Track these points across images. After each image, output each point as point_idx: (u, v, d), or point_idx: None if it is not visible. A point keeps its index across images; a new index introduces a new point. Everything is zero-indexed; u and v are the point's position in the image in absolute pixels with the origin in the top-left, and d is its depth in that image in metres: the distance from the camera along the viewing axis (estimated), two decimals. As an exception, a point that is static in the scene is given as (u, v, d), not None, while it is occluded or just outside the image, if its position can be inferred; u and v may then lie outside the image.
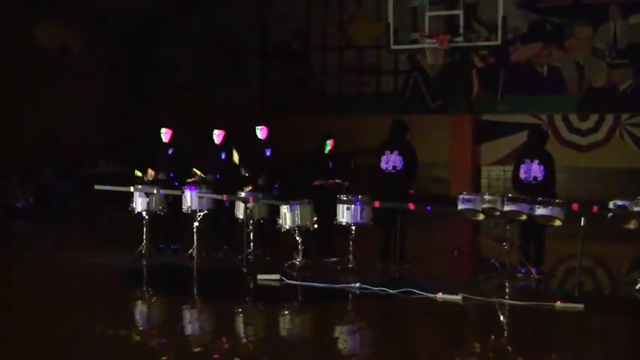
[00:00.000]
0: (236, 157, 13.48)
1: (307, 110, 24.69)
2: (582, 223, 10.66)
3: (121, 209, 13.95)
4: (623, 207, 10.97)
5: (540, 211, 11.04)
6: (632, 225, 11.17)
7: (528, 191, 11.59)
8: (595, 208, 10.93)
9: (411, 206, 11.65)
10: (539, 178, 11.86)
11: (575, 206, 10.91)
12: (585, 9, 22.21)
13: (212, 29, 25.64)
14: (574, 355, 8.73)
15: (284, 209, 12.54)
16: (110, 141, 23.65)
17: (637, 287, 11.09)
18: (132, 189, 13.51)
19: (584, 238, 10.72)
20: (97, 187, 13.85)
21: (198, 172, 13.47)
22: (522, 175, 11.96)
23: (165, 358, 8.34)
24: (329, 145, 13.52)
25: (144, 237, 13.40)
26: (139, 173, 13.78)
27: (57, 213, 19.84)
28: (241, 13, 25.58)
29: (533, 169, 11.90)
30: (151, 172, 13.73)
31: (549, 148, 12.60)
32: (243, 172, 13.48)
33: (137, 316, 10.44)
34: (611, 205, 11.08)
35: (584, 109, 22.30)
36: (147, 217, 13.45)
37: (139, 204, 13.56)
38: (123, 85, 25.04)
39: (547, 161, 11.96)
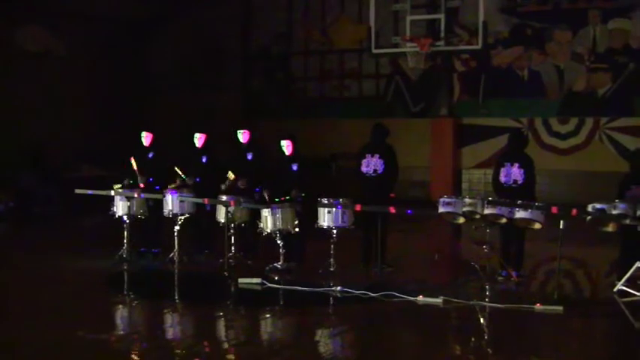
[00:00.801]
0: (231, 175, 13.33)
1: (289, 114, 24.72)
2: (561, 226, 10.74)
3: (103, 213, 13.93)
4: (602, 210, 11.05)
5: (520, 214, 11.12)
6: (610, 228, 11.25)
7: (509, 194, 11.64)
8: (574, 211, 11.02)
9: (392, 209, 11.70)
10: (520, 182, 11.92)
11: (554, 209, 11.00)
12: (565, 14, 22.35)
13: (195, 33, 25.64)
14: (553, 357, 8.79)
15: (265, 213, 12.55)
16: (93, 145, 23.57)
17: (615, 289, 11.16)
18: (113, 193, 13.50)
19: (563, 241, 10.80)
20: (77, 191, 13.85)
21: (180, 172, 13.44)
22: (503, 178, 12.02)
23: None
24: (284, 146, 13.10)
25: (125, 241, 13.39)
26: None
27: (38, 217, 19.77)
28: (224, 18, 25.59)
29: (514, 173, 11.96)
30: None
31: (529, 152, 12.68)
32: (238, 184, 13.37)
33: (118, 321, 10.42)
34: (590, 208, 11.15)
35: (564, 113, 22.42)
36: (128, 220, 13.44)
37: (120, 208, 13.55)
38: (106, 89, 24.97)
39: (527, 165, 12.03)
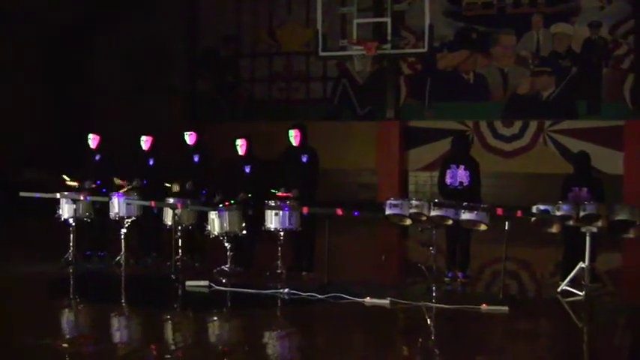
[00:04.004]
0: (176, 188, 13.25)
1: (236, 117, 24.70)
2: (506, 228, 10.88)
3: (48, 216, 13.78)
4: (546, 211, 11.20)
5: (466, 215, 11.22)
6: (554, 229, 11.39)
7: (454, 196, 11.74)
8: (519, 213, 11.16)
9: (339, 212, 11.74)
10: (465, 184, 12.05)
11: (499, 211, 11.14)
12: (509, 18, 22.66)
13: (141, 35, 25.44)
14: (499, 357, 8.89)
15: (212, 215, 12.51)
16: (38, 148, 23.30)
17: (559, 290, 11.31)
18: (58, 195, 13.37)
19: (508, 242, 10.95)
20: (22, 194, 13.69)
21: (120, 182, 13.33)
22: (448, 180, 12.13)
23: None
24: (239, 145, 12.98)
25: (70, 244, 13.26)
26: (67, 179, 13.64)
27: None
28: (170, 20, 25.45)
29: (459, 175, 12.08)
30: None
31: (475, 154, 12.82)
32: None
33: (64, 325, 10.32)
34: (534, 209, 11.31)
35: (508, 116, 22.70)
36: (73, 223, 13.32)
37: (66, 211, 13.41)
38: (51, 92, 24.70)
39: (473, 167, 12.16)
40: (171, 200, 12.82)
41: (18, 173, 22.00)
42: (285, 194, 12.31)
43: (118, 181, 13.36)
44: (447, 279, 11.95)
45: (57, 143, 22.79)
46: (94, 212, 13.59)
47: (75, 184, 13.60)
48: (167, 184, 13.43)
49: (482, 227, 11.36)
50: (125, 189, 13.24)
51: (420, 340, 9.34)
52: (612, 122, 21.63)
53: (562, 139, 21.99)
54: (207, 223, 12.63)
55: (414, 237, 16.61)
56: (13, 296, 11.53)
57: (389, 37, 17.51)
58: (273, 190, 12.33)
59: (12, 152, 22.54)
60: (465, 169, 12.07)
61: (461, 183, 12.06)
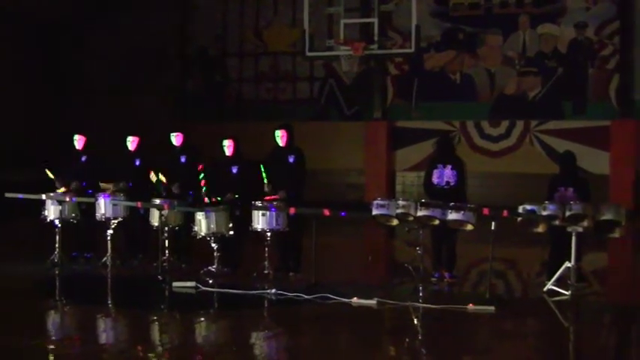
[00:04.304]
0: (153, 177, 13.19)
1: (223, 117, 24.67)
2: (493, 228, 10.91)
3: (33, 217, 13.73)
4: (532, 211, 11.24)
5: (452, 215, 11.25)
6: (540, 228, 11.43)
7: (441, 196, 11.76)
8: (505, 213, 11.18)
9: (326, 212, 11.74)
10: (452, 183, 12.07)
11: (486, 211, 11.16)
12: (496, 18, 22.72)
13: (130, 34, 25.37)
14: (486, 356, 8.89)
15: (199, 216, 12.49)
16: (25, 148, 23.22)
17: (545, 289, 11.34)
18: (44, 196, 13.33)
19: (495, 242, 10.96)
20: (7, 194, 13.63)
21: (106, 185, 13.29)
22: (435, 180, 12.15)
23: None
24: (225, 146, 12.97)
25: (56, 245, 13.22)
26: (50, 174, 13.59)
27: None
28: (160, 19, 25.39)
29: (446, 174, 12.11)
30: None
31: (462, 154, 12.85)
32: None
33: (50, 326, 10.28)
34: (520, 209, 11.34)
35: (495, 116, 22.77)
36: (59, 225, 13.28)
37: (52, 212, 13.36)
38: (39, 91, 24.62)
39: (459, 166, 12.19)
40: (157, 201, 12.78)
41: (3, 173, 21.89)
42: (272, 197, 12.30)
43: (103, 185, 13.32)
44: (433, 279, 11.96)
45: (46, 143, 22.71)
46: (80, 213, 13.53)
47: (52, 177, 13.53)
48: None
49: (469, 227, 11.39)
50: (111, 190, 13.21)
51: (407, 340, 9.37)
52: (598, 122, 21.72)
53: (548, 139, 22.07)
54: (194, 224, 12.60)
55: (401, 237, 16.61)
56: (-1, 298, 11.50)
57: (376, 38, 17.51)
58: (264, 175, 12.25)
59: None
60: (452, 169, 12.10)
61: (447, 183, 12.08)
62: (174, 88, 25.82)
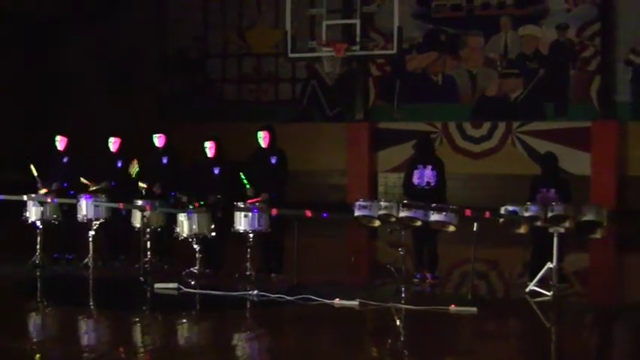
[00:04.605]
0: (133, 170, 13.12)
1: (206, 118, 24.61)
2: (475, 229, 10.93)
3: (14, 218, 13.67)
4: (514, 212, 11.27)
5: (434, 217, 11.26)
6: (522, 230, 11.46)
7: (422, 196, 11.78)
8: (487, 214, 11.22)
9: (308, 213, 11.73)
10: (432, 184, 12.11)
11: (468, 212, 11.19)
12: (478, 20, 22.78)
13: (111, 35, 25.29)
14: (468, 357, 8.92)
15: (181, 217, 12.46)
16: (6, 149, 23.08)
17: (527, 290, 11.38)
18: (25, 198, 13.27)
19: (477, 243, 10.99)
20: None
21: (87, 182, 13.24)
22: (416, 180, 12.17)
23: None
24: (207, 147, 12.89)
25: (38, 247, 13.17)
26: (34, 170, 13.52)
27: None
28: (140, 20, 25.32)
29: (427, 175, 12.14)
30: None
31: (443, 155, 12.87)
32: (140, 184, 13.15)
33: (32, 328, 10.25)
34: (502, 210, 11.37)
35: (477, 117, 22.82)
36: (41, 226, 13.23)
37: (33, 213, 13.30)
38: (18, 92, 24.48)
39: (439, 167, 12.23)
40: (139, 202, 12.75)
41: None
42: (254, 200, 12.28)
43: (84, 181, 13.27)
44: (415, 280, 11.97)
45: (26, 144, 22.58)
46: (61, 214, 13.48)
47: (35, 173, 13.47)
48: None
49: (451, 228, 11.41)
50: (92, 187, 13.17)
51: (389, 341, 9.39)
52: (579, 123, 21.81)
53: (530, 140, 22.14)
54: (176, 225, 12.57)
55: (383, 238, 16.62)
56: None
57: (358, 39, 17.51)
58: (244, 180, 12.23)
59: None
60: (432, 169, 12.14)
61: (428, 183, 12.12)
62: (154, 88, 25.73)
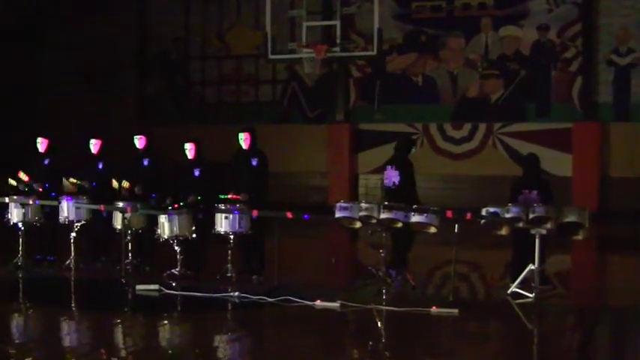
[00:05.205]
0: (126, 184, 13.07)
1: (186, 119, 24.59)
2: (456, 230, 10.96)
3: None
4: (496, 214, 11.29)
5: (415, 218, 11.28)
6: (504, 231, 11.49)
7: (390, 196, 12.01)
8: (469, 215, 11.25)
9: (289, 215, 11.73)
10: (397, 183, 12.24)
11: (449, 213, 11.22)
12: (458, 21, 22.83)
13: (90, 37, 25.20)
14: (449, 359, 8.94)
15: (162, 219, 12.44)
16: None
17: (509, 292, 11.40)
18: (7, 200, 13.23)
19: (458, 245, 11.02)
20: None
21: (69, 182, 13.22)
22: (385, 181, 12.45)
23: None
24: (187, 149, 12.90)
25: (20, 248, 13.12)
26: (13, 182, 13.50)
27: None
28: (120, 22, 25.26)
29: (392, 175, 12.31)
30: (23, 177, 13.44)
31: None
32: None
33: (13, 329, 10.19)
34: (484, 212, 11.39)
35: (457, 118, 22.86)
36: (23, 228, 13.19)
37: (15, 215, 13.28)
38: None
39: (402, 167, 12.39)
40: (120, 204, 12.71)
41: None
42: (234, 197, 12.27)
43: (66, 181, 13.25)
44: (394, 281, 11.90)
45: (6, 146, 22.47)
46: (43, 216, 13.46)
47: (26, 179, 13.45)
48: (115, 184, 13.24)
49: (432, 230, 11.42)
50: (74, 182, 13.14)
51: (371, 342, 9.40)
52: (561, 124, 21.88)
53: (511, 141, 22.19)
54: (157, 227, 12.55)
55: (364, 240, 16.65)
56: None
57: (338, 40, 17.52)
58: (222, 196, 12.28)
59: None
60: (395, 169, 12.28)
61: (394, 183, 12.32)
62: (135, 90, 25.67)
